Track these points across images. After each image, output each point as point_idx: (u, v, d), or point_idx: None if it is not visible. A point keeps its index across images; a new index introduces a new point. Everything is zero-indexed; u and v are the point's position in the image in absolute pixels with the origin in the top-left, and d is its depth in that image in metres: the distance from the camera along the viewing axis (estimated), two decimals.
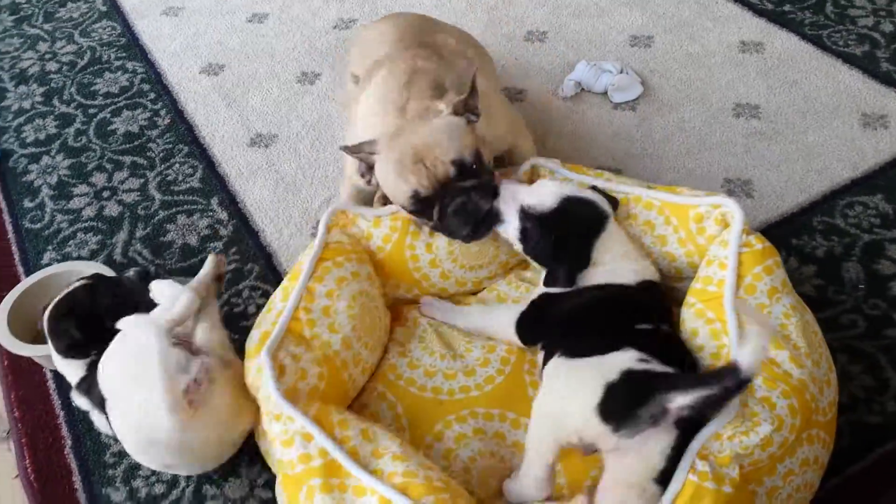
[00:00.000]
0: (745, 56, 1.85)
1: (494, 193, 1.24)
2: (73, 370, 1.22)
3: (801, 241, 1.44)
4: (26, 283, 1.40)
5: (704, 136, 1.67)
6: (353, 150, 1.30)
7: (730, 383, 0.90)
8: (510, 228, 1.24)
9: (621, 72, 1.78)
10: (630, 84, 1.77)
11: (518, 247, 1.26)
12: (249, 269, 1.50)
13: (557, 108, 1.77)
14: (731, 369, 0.90)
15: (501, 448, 1.15)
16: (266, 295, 1.45)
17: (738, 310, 1.08)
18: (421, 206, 1.25)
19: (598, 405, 0.95)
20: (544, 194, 1.23)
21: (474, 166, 1.23)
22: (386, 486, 0.92)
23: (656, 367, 1.01)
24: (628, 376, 0.98)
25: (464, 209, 1.22)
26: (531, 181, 1.36)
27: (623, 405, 0.95)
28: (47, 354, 1.26)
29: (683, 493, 0.91)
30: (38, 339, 1.31)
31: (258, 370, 1.09)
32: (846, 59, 1.81)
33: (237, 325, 1.40)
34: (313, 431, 1.00)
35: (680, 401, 0.92)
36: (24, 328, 1.34)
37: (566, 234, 1.21)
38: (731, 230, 1.16)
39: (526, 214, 1.22)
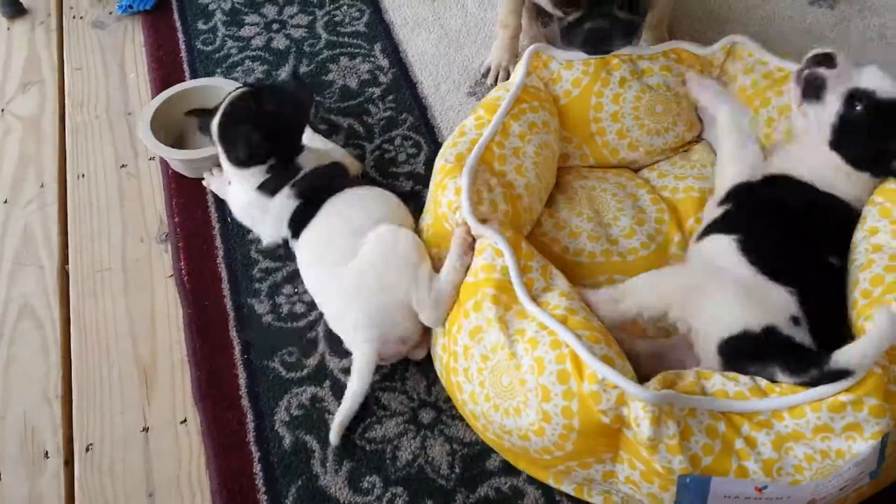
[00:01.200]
0: None
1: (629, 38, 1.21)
2: (248, 177, 1.27)
3: None
4: (169, 91, 1.50)
5: None
6: None
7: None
8: (826, 111, 1.10)
9: None
10: None
11: (825, 135, 1.11)
12: (404, 118, 1.51)
13: None
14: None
15: None
16: (417, 146, 1.46)
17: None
18: (565, 6, 1.22)
19: (721, 342, 0.96)
20: (884, 83, 1.08)
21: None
22: (546, 315, 0.95)
23: (803, 336, 0.97)
24: (768, 334, 0.96)
25: (596, 38, 1.21)
26: (723, 64, 1.30)
27: (741, 356, 0.95)
28: (185, 159, 1.39)
29: (864, 380, 0.87)
30: (177, 144, 1.46)
31: (456, 191, 1.11)
32: None
33: (387, 171, 1.43)
34: (504, 249, 1.04)
35: (787, 380, 0.90)
36: (168, 133, 1.46)
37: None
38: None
39: (860, 99, 1.07)
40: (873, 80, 1.09)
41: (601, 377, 0.89)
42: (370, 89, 1.56)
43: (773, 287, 1.01)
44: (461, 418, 1.11)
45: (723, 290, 1.00)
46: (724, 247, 1.07)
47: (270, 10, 1.74)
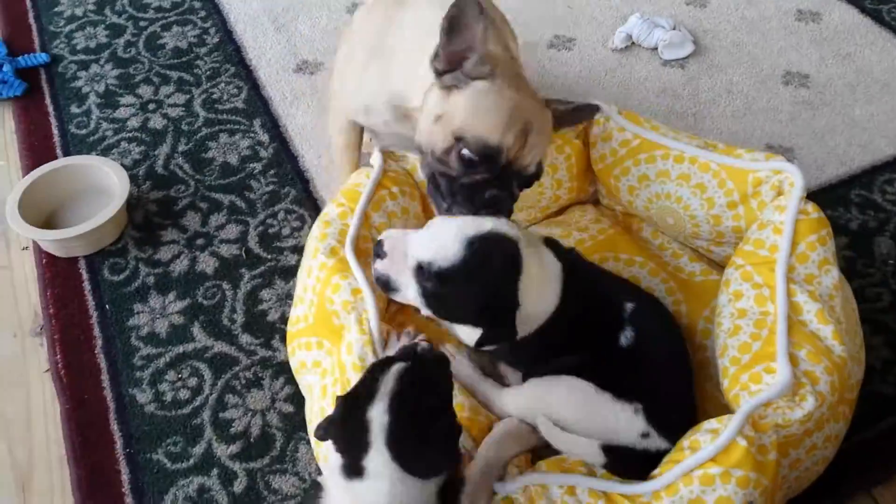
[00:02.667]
0: (801, 24, 1.82)
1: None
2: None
3: (837, 212, 1.43)
4: (36, 173, 1.48)
5: (751, 101, 1.65)
6: (451, 42, 1.04)
7: None
8: (409, 293, 1.01)
9: (674, 28, 1.76)
10: (682, 41, 1.75)
11: (426, 312, 1.03)
12: (286, 191, 1.52)
13: (606, 59, 1.75)
14: None
15: None
16: (301, 219, 1.47)
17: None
18: (474, 165, 1.03)
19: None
20: (442, 243, 0.98)
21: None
22: None
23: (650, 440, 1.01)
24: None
25: (486, 201, 1.04)
26: (585, 130, 1.34)
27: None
28: (54, 239, 1.38)
29: (729, 452, 0.91)
30: (49, 227, 1.44)
31: (354, 293, 1.10)
32: None
33: (271, 246, 1.43)
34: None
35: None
36: (39, 215, 1.46)
37: (486, 286, 0.98)
38: (790, 195, 1.14)
39: (425, 275, 0.98)
40: (430, 248, 0.99)
41: None
42: (251, 164, 1.57)
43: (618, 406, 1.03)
44: None
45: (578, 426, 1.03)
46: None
47: (146, 91, 1.73)
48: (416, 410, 0.83)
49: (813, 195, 1.48)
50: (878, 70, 1.70)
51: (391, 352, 0.98)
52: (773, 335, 1.03)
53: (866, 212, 1.43)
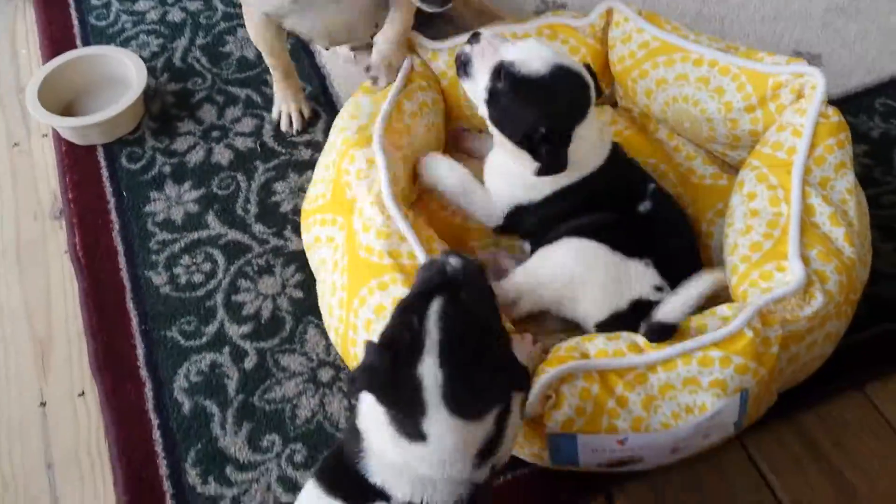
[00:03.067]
0: None
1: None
2: None
3: (859, 119, 1.40)
4: (56, 61, 1.49)
5: (782, 5, 1.60)
6: None
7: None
8: (478, 87, 1.08)
9: None
10: None
11: (483, 111, 1.10)
12: (302, 86, 1.51)
13: None
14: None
15: None
16: (316, 114, 1.48)
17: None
18: None
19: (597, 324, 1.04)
20: (532, 55, 1.05)
21: None
22: None
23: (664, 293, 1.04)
24: (635, 306, 1.04)
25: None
26: (604, 30, 1.32)
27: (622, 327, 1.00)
28: (72, 127, 1.39)
29: (734, 340, 0.92)
30: (68, 114, 1.46)
31: (368, 161, 1.13)
32: None
33: (285, 140, 1.45)
34: (409, 236, 1.05)
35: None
36: (58, 103, 1.47)
37: (552, 107, 1.04)
38: (812, 99, 1.12)
39: (502, 73, 1.05)
40: (519, 54, 1.05)
41: None
42: None
43: (631, 263, 1.07)
44: None
45: (591, 285, 1.06)
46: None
47: None
48: (468, 352, 0.76)
49: (836, 102, 1.42)
50: None
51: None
52: (786, 235, 1.04)
53: (889, 120, 1.39)
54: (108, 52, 1.52)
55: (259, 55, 1.56)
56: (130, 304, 1.25)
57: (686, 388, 0.91)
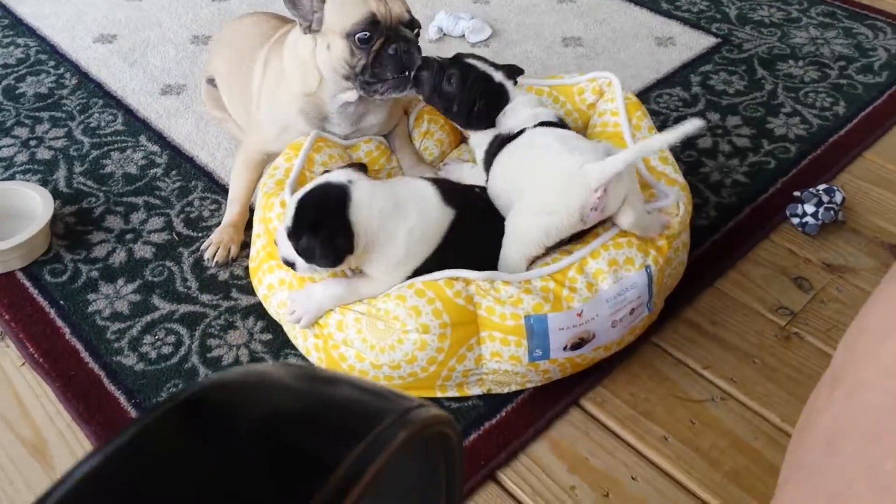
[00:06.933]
0: (563, 5, 2.32)
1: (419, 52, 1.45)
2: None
3: None
4: None
5: (545, 61, 2.10)
6: (297, 8, 1.41)
7: None
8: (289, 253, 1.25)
9: (472, 18, 2.18)
10: (481, 27, 2.17)
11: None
12: (194, 185, 1.69)
13: (427, 49, 2.11)
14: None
15: None
16: (217, 202, 1.66)
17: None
18: (368, 37, 1.39)
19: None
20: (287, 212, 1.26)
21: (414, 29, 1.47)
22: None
23: None
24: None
25: (402, 56, 1.42)
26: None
27: None
28: None
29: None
30: None
31: (281, 203, 1.34)
32: (636, 3, 2.34)
33: (198, 226, 1.60)
34: None
35: None
36: None
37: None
38: (613, 90, 1.57)
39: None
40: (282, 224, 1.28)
41: (448, 276, 1.23)
42: (152, 170, 1.72)
43: None
44: None
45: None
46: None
47: (22, 132, 1.81)
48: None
49: None
50: (627, 26, 2.23)
51: None
52: (640, 175, 1.42)
53: (650, 117, 1.91)
54: (1, 186, 1.58)
55: (143, 167, 1.73)
56: (112, 387, 1.31)
57: (611, 268, 1.26)
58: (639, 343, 1.38)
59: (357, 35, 1.40)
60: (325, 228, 1.19)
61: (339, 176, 1.25)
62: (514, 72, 1.50)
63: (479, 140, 1.47)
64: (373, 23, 1.40)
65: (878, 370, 0.59)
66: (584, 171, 1.22)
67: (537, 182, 1.28)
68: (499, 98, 1.44)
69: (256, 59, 1.63)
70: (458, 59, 1.48)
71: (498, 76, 1.46)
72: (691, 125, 1.17)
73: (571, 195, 1.23)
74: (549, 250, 1.31)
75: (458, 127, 1.56)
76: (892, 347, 0.60)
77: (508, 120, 1.43)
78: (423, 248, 1.27)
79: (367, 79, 1.44)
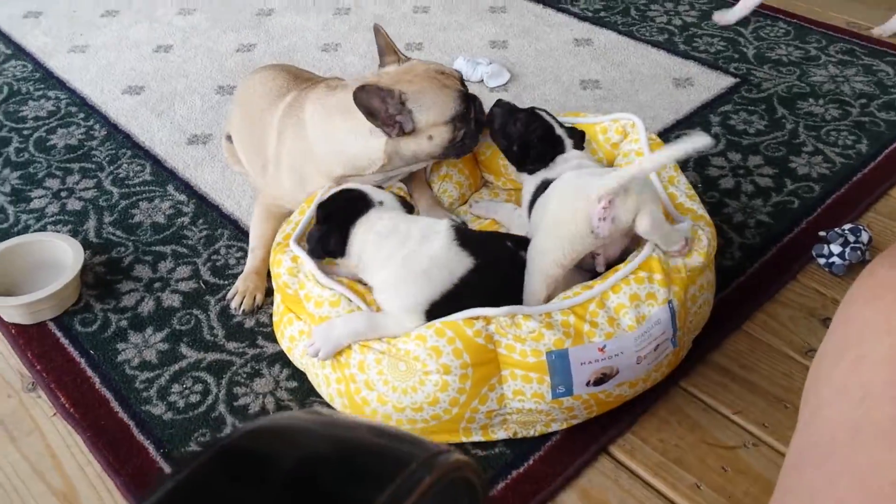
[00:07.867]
0: (580, 48, 2.35)
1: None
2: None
3: None
4: None
5: (564, 104, 2.12)
6: (371, 95, 1.41)
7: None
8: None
9: (490, 63, 2.21)
10: (500, 72, 2.19)
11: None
12: (220, 233, 1.72)
13: None
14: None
15: None
16: (242, 250, 1.68)
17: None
18: (466, 110, 1.49)
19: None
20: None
21: None
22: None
23: None
24: None
25: (479, 111, 1.54)
26: None
27: None
28: (25, 303, 1.47)
29: (649, 262, 1.29)
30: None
31: (293, 259, 1.36)
32: (653, 45, 2.36)
33: (224, 274, 1.62)
34: (352, 297, 1.29)
35: None
36: None
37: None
38: (637, 130, 1.58)
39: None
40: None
41: (467, 315, 1.23)
42: (179, 219, 1.75)
43: None
44: None
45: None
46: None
47: (53, 183, 1.86)
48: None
49: None
50: (645, 68, 2.25)
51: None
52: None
53: None
54: (33, 238, 1.62)
55: (171, 216, 1.76)
56: (141, 437, 1.33)
57: (633, 303, 1.25)
58: (667, 387, 1.37)
59: (460, 114, 1.49)
60: (328, 225, 1.35)
61: (378, 194, 1.38)
62: (577, 135, 1.57)
63: (529, 184, 1.52)
64: (464, 98, 1.49)
65: (833, 391, 0.64)
66: (588, 184, 1.29)
67: (553, 204, 1.35)
68: (554, 146, 1.53)
69: (268, 124, 1.64)
70: (531, 108, 1.58)
71: (559, 130, 1.54)
72: (699, 139, 1.20)
73: (578, 205, 1.29)
74: (570, 281, 1.32)
75: (511, 164, 1.60)
76: (845, 368, 0.64)
77: (557, 167, 1.49)
78: (425, 281, 1.29)
79: (463, 144, 1.53)
